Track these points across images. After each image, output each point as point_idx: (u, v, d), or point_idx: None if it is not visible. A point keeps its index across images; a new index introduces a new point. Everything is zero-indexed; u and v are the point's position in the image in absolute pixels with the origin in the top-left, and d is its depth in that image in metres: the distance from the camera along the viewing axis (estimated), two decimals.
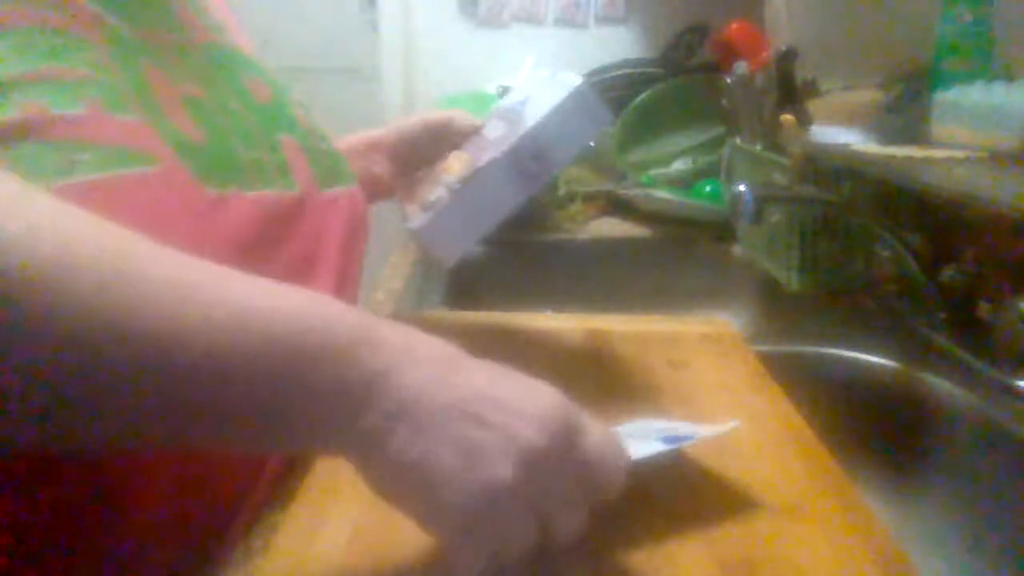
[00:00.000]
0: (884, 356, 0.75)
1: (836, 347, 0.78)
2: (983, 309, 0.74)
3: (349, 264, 0.57)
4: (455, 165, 0.65)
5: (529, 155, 0.61)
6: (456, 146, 0.68)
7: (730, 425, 0.47)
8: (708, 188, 1.30)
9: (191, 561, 0.42)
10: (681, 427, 0.49)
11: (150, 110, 0.41)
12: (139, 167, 0.38)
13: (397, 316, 0.78)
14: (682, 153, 1.40)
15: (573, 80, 0.62)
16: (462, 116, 0.70)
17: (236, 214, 0.43)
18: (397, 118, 0.77)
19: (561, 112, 0.61)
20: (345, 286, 0.57)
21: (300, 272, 0.48)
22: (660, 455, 0.43)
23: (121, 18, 0.42)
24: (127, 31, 0.42)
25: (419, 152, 0.72)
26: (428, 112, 0.73)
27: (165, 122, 0.41)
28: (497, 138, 0.64)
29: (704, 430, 0.47)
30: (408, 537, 0.42)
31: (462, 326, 0.73)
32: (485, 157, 0.62)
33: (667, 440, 0.45)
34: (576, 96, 0.61)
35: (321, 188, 0.52)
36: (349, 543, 0.41)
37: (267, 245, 0.45)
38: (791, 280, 0.94)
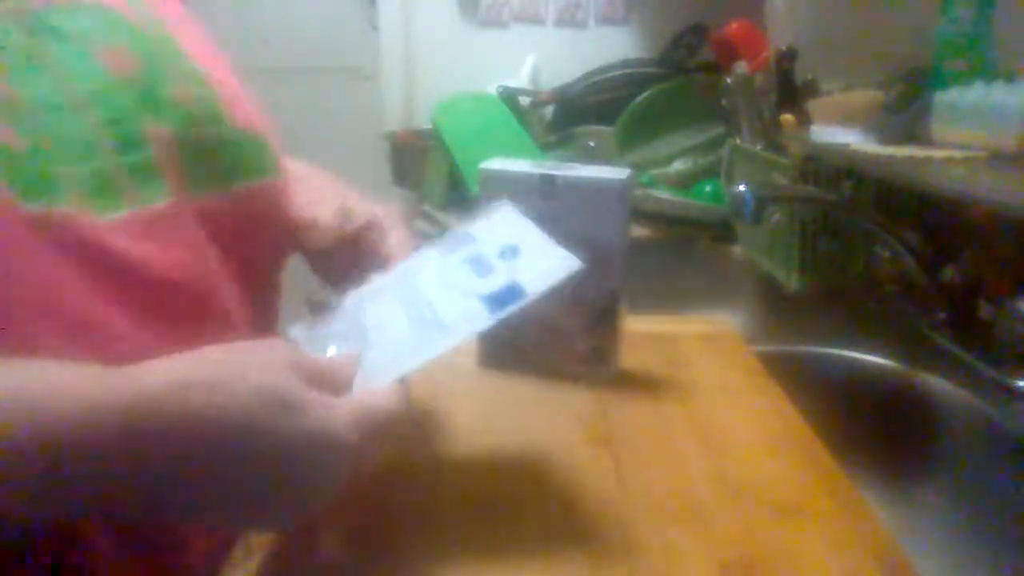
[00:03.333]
0: (884, 356, 0.75)
1: (836, 347, 0.78)
2: (983, 309, 0.74)
3: (240, 281, 0.45)
4: None
5: None
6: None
7: (568, 265, 0.45)
8: (708, 188, 1.30)
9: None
10: (515, 266, 0.46)
11: None
12: None
13: None
14: (682, 153, 1.40)
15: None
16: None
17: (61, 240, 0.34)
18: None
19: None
20: (244, 315, 0.46)
21: (163, 301, 0.39)
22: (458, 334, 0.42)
23: None
24: None
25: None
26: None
27: None
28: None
29: (542, 277, 0.44)
30: (407, 537, 0.42)
31: None
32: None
33: (492, 303, 0.43)
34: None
35: (194, 191, 0.41)
36: (349, 543, 0.41)
37: (104, 281, 0.36)
38: (791, 280, 0.94)
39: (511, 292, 0.44)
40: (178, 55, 0.43)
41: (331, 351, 0.45)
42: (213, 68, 0.45)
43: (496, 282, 0.45)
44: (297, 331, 0.49)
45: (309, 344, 0.47)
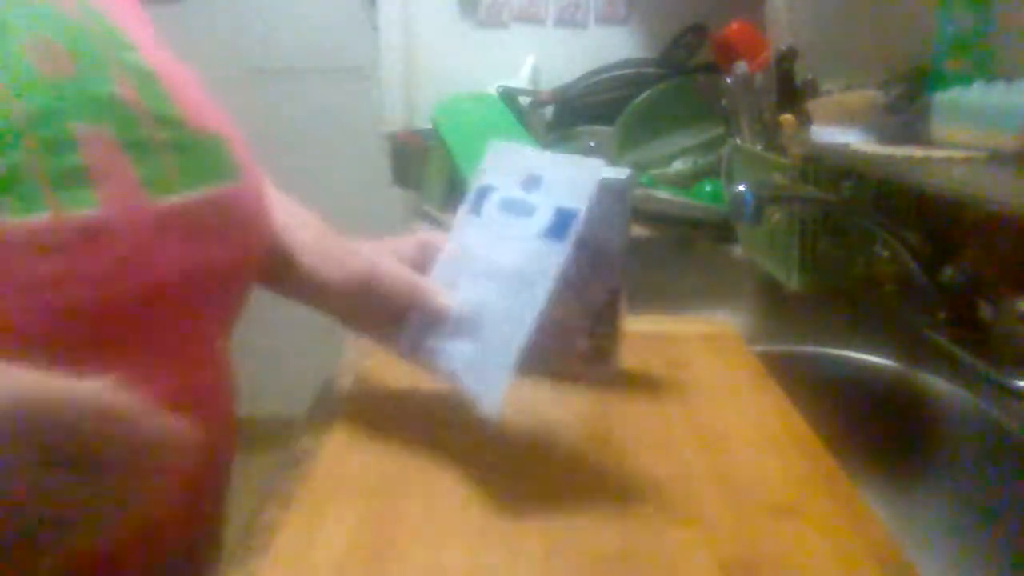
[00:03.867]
0: (884, 356, 0.75)
1: (836, 347, 0.78)
2: (983, 309, 0.74)
3: (203, 297, 0.41)
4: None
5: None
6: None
7: (596, 168, 0.46)
8: (708, 188, 1.30)
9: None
10: (548, 192, 0.48)
11: None
12: None
13: None
14: (682, 153, 1.40)
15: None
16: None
17: None
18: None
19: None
20: (196, 332, 0.42)
21: (82, 328, 0.35)
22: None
23: None
24: None
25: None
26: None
27: None
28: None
29: (581, 190, 0.46)
30: (407, 537, 0.42)
31: None
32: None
33: (553, 236, 0.45)
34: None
35: (153, 195, 0.37)
36: (349, 543, 0.42)
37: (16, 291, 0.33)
38: (791, 280, 0.94)
39: (563, 217, 0.46)
40: (124, 49, 0.39)
41: (456, 359, 0.48)
42: (165, 64, 0.41)
43: (544, 216, 0.46)
44: (406, 342, 0.51)
45: (430, 358, 0.49)
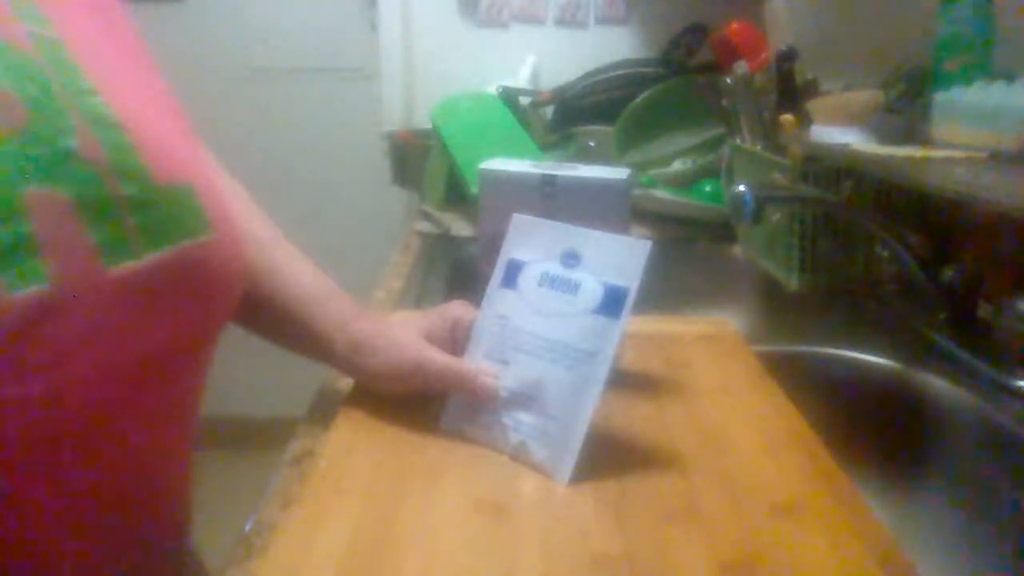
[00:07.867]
0: (884, 356, 0.75)
1: (836, 347, 0.78)
2: (983, 309, 0.74)
3: (171, 372, 0.38)
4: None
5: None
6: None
7: (642, 248, 0.49)
8: (708, 188, 1.30)
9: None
10: (591, 269, 0.49)
11: None
12: None
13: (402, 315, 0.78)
14: (682, 153, 1.40)
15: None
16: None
17: None
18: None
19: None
20: (157, 413, 0.38)
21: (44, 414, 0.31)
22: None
23: None
24: None
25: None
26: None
27: None
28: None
29: (629, 269, 0.49)
30: (407, 537, 0.42)
31: None
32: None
33: (606, 311, 0.48)
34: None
35: (111, 262, 0.33)
36: (349, 543, 0.42)
37: None
38: (791, 280, 0.94)
39: (614, 294, 0.48)
40: (84, 95, 0.34)
41: (522, 431, 0.49)
42: (130, 100, 0.36)
43: (593, 291, 0.48)
44: (449, 418, 0.52)
45: (486, 432, 0.51)
